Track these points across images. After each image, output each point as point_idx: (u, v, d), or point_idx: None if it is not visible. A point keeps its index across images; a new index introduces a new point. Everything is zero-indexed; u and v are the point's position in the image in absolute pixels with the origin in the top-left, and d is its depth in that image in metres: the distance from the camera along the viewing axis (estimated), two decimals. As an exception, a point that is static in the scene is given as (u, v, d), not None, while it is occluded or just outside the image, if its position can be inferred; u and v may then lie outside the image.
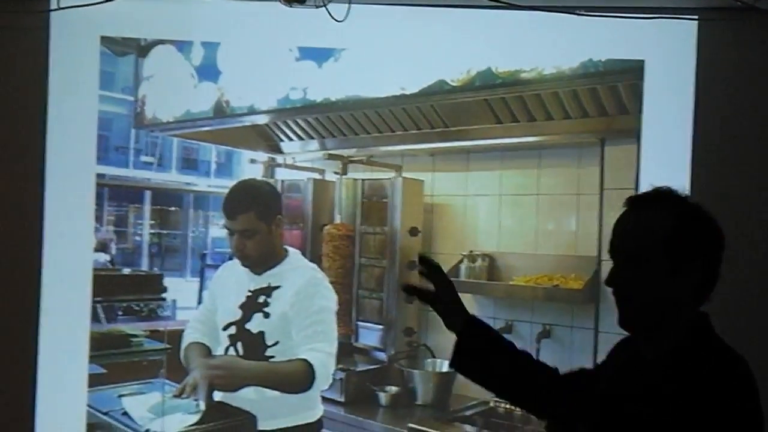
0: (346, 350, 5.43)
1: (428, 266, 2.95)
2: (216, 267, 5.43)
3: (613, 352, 2.81)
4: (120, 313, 5.49)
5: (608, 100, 5.04)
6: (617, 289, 2.55)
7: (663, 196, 2.61)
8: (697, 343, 2.50)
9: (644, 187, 4.57)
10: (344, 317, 5.41)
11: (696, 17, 4.74)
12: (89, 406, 5.03)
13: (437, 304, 2.92)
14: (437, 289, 2.91)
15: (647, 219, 2.54)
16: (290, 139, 5.92)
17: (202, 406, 4.93)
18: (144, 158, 5.90)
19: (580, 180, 5.23)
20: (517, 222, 5.54)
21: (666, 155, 4.76)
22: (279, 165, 5.93)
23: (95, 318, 5.18)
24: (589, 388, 2.69)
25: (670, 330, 2.53)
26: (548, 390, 2.88)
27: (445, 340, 5.18)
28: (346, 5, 4.16)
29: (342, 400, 5.37)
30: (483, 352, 2.92)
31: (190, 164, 6.26)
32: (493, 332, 2.97)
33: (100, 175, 5.26)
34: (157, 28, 5.19)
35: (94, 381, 5.09)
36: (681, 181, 4.57)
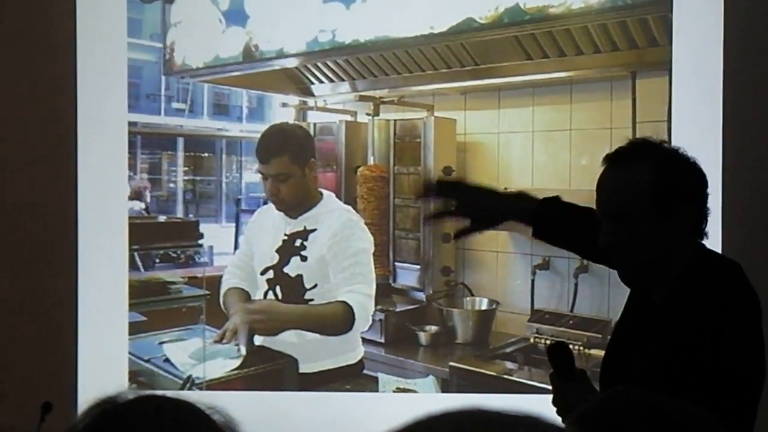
0: (385, 291, 5.43)
1: (445, 190, 2.96)
2: (251, 212, 5.44)
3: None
4: (157, 260, 5.50)
5: (638, 32, 4.99)
6: (613, 249, 2.54)
7: (638, 147, 2.58)
8: (699, 274, 2.51)
9: (678, 120, 4.56)
10: (381, 258, 5.40)
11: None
12: (131, 353, 5.07)
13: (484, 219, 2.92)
14: (470, 205, 2.91)
15: (628, 175, 2.51)
16: (321, 82, 5.89)
17: (243, 350, 4.98)
18: (175, 105, 5.88)
19: (612, 114, 5.20)
20: (551, 158, 5.51)
21: (698, 86, 4.73)
22: (311, 108, 5.90)
23: (133, 266, 5.19)
24: None
25: (673, 271, 2.53)
26: None
27: (483, 277, 5.20)
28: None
29: (382, 340, 5.38)
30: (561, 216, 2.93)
31: (221, 110, 6.24)
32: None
33: (132, 123, 5.26)
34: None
35: (135, 329, 5.12)
36: (714, 111, 4.59)
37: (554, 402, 2.62)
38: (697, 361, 2.36)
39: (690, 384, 2.24)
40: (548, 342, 5.17)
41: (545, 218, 2.91)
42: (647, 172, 2.48)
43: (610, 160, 2.56)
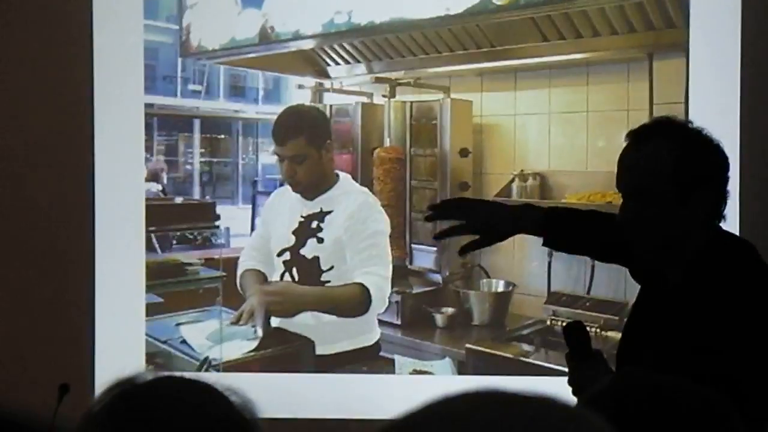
0: (401, 273, 5.43)
1: (451, 208, 3.00)
2: (267, 194, 5.45)
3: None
4: (174, 242, 5.52)
5: (655, 14, 4.97)
6: (629, 227, 2.53)
7: (663, 126, 2.58)
8: (715, 255, 2.51)
9: (695, 101, 4.55)
10: (398, 240, 5.41)
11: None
12: (148, 335, 5.09)
13: (492, 234, 2.94)
14: (474, 222, 2.93)
15: (650, 152, 2.50)
16: (337, 64, 5.88)
17: (260, 332, 4.99)
18: (192, 87, 5.89)
19: (629, 96, 5.19)
20: (568, 140, 5.51)
21: (715, 67, 4.71)
22: (327, 90, 5.90)
23: (150, 248, 5.20)
24: None
25: (688, 255, 2.52)
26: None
27: (500, 260, 5.20)
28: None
29: (399, 322, 5.38)
30: (570, 224, 2.95)
31: (237, 91, 6.25)
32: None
33: (148, 105, 5.28)
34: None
35: (152, 310, 5.14)
36: (732, 92, 4.57)
37: (570, 382, 2.63)
38: (711, 341, 2.36)
39: (704, 365, 2.24)
40: (564, 324, 5.18)
41: (554, 227, 2.92)
42: (670, 151, 2.48)
43: (633, 136, 2.55)
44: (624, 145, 2.56)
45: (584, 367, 2.61)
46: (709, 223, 2.55)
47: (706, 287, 2.44)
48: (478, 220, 2.94)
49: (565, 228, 2.93)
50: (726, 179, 2.55)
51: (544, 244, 2.97)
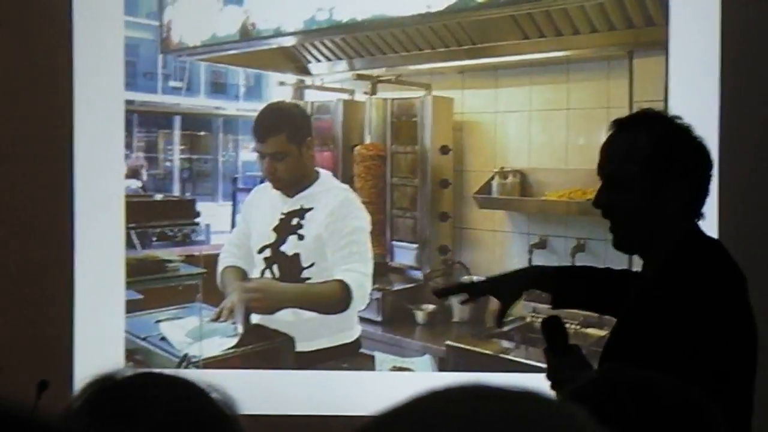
0: (382, 270, 5.44)
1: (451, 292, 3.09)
2: (248, 190, 5.45)
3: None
4: (154, 239, 5.50)
5: (635, 11, 4.99)
6: (604, 211, 2.57)
7: (646, 117, 2.62)
8: (685, 255, 2.53)
9: (674, 99, 4.57)
10: (378, 237, 5.41)
11: None
12: (127, 332, 5.08)
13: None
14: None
15: (629, 140, 2.55)
16: (318, 61, 5.88)
17: (240, 329, 4.99)
18: (172, 83, 5.87)
19: (609, 93, 5.20)
20: (548, 137, 5.52)
21: (695, 65, 4.74)
22: (308, 87, 5.89)
23: (130, 244, 5.20)
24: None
25: (662, 248, 2.54)
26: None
27: (480, 256, 5.21)
28: None
29: (379, 319, 5.39)
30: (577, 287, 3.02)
31: (218, 88, 6.23)
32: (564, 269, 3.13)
33: (129, 101, 5.27)
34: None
35: (131, 307, 5.13)
36: (711, 90, 4.58)
37: (548, 376, 2.65)
38: (681, 341, 2.38)
39: (677, 363, 2.25)
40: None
41: (567, 286, 3.00)
42: (645, 140, 2.51)
43: (616, 124, 2.60)
44: (609, 132, 2.61)
45: (562, 362, 2.63)
46: (686, 220, 2.57)
47: (675, 286, 2.47)
48: (487, 291, 3.08)
49: (577, 289, 3.01)
50: (707, 177, 2.57)
51: (553, 306, 3.05)
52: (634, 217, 2.55)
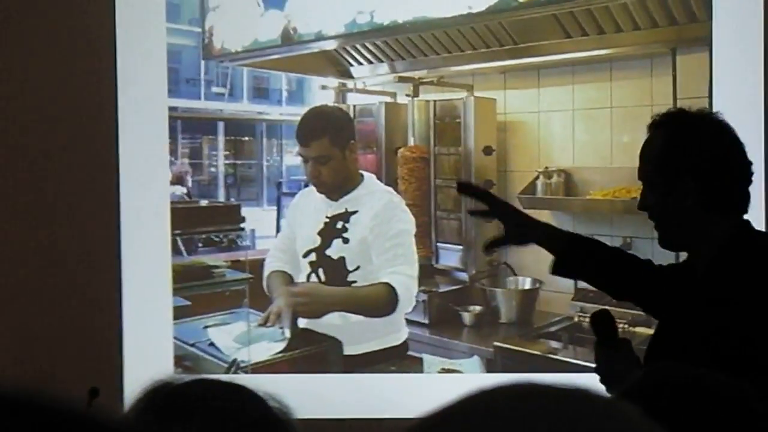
0: (427, 272, 5.43)
1: (476, 193, 3.03)
2: (292, 195, 5.46)
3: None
4: (200, 245, 5.53)
5: (677, 8, 4.96)
6: (649, 212, 2.58)
7: (683, 116, 2.62)
8: (736, 250, 2.51)
9: (718, 96, 4.54)
10: (423, 239, 5.40)
11: None
12: (175, 338, 5.10)
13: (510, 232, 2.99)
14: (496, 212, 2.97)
15: (666, 140, 2.55)
16: (360, 64, 5.88)
17: (287, 333, 5.00)
18: (215, 89, 5.89)
19: (653, 91, 5.18)
20: (591, 136, 5.50)
21: (739, 61, 4.71)
22: (350, 90, 5.90)
23: (176, 251, 5.22)
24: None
25: (710, 245, 2.53)
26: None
27: (526, 257, 5.19)
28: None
29: (426, 321, 5.38)
30: (586, 254, 2.98)
31: (261, 93, 6.25)
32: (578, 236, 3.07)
33: (172, 108, 5.29)
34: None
35: (179, 313, 5.16)
36: (756, 86, 4.55)
37: (597, 371, 2.64)
38: (736, 334, 2.37)
39: (733, 356, 2.24)
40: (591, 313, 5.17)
41: (576, 250, 2.97)
42: (687, 140, 2.52)
43: (654, 125, 2.64)
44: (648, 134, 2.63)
45: (612, 356, 2.62)
46: (731, 215, 2.56)
47: (727, 281, 2.46)
48: (500, 214, 3.01)
49: (585, 254, 2.97)
50: (746, 172, 2.56)
51: (554, 269, 3.02)
52: (677, 217, 2.54)
